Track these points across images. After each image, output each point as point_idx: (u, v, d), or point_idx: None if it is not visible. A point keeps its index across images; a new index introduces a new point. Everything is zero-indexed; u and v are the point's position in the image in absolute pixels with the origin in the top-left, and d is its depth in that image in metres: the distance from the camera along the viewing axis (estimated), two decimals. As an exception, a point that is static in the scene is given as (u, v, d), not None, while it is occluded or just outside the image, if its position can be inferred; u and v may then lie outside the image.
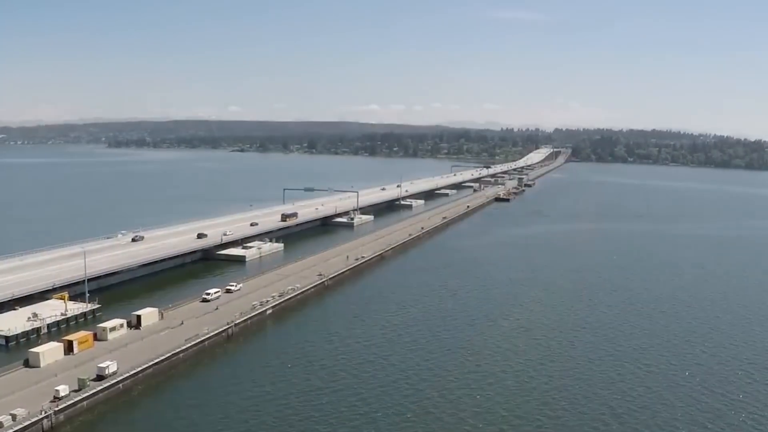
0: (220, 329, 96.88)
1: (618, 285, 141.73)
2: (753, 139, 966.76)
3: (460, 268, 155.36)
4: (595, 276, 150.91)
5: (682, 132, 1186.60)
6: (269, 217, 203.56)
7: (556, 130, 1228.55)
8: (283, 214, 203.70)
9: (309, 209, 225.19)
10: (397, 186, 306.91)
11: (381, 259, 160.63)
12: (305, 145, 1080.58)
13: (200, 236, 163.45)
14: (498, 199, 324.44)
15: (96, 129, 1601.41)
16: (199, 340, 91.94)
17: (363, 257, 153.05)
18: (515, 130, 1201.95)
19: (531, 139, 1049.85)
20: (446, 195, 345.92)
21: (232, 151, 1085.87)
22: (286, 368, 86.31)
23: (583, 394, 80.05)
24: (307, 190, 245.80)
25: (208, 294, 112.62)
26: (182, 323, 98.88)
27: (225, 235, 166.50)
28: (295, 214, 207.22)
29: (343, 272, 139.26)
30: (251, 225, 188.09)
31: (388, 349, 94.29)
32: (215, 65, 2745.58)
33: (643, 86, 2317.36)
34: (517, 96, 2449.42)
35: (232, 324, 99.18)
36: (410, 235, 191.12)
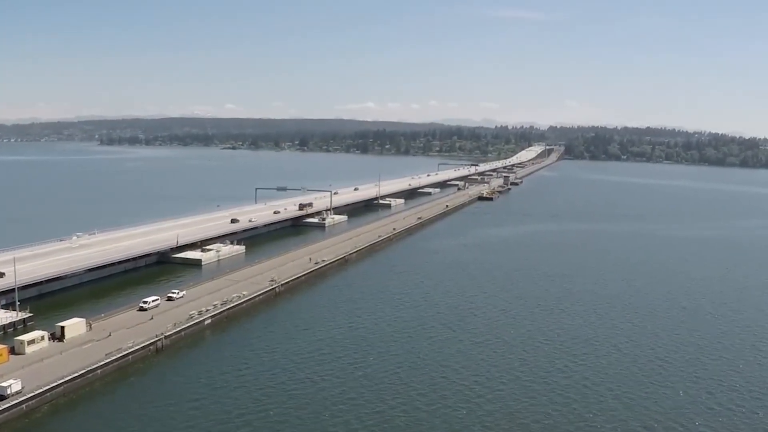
0: (148, 342, 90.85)
1: (589, 292, 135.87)
2: (747, 137, 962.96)
3: (424, 272, 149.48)
4: (567, 282, 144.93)
5: (677, 130, 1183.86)
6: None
7: (551, 127, 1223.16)
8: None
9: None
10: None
11: (344, 263, 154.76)
12: (297, 142, 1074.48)
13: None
14: (481, 198, 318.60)
15: (91, 126, 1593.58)
16: (121, 354, 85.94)
17: (323, 261, 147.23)
18: (510, 127, 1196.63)
19: (524, 137, 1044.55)
20: (429, 194, 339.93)
21: (224, 148, 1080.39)
22: (215, 387, 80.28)
23: (544, 412, 74.38)
24: (279, 189, 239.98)
25: (145, 302, 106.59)
26: (110, 335, 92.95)
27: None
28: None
29: (298, 278, 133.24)
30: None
31: (330, 367, 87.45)
32: (213, 63, 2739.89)
33: (641, 85, 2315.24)
34: (515, 94, 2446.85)
35: (162, 336, 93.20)
36: (379, 236, 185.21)
